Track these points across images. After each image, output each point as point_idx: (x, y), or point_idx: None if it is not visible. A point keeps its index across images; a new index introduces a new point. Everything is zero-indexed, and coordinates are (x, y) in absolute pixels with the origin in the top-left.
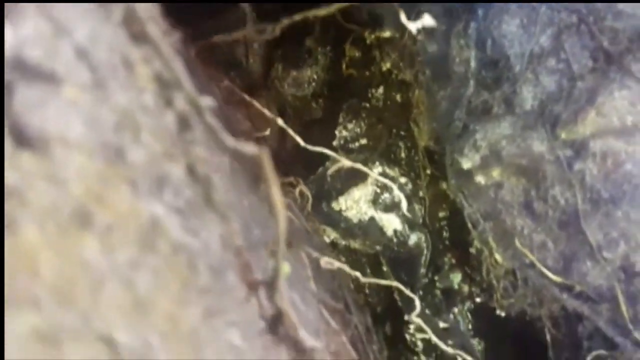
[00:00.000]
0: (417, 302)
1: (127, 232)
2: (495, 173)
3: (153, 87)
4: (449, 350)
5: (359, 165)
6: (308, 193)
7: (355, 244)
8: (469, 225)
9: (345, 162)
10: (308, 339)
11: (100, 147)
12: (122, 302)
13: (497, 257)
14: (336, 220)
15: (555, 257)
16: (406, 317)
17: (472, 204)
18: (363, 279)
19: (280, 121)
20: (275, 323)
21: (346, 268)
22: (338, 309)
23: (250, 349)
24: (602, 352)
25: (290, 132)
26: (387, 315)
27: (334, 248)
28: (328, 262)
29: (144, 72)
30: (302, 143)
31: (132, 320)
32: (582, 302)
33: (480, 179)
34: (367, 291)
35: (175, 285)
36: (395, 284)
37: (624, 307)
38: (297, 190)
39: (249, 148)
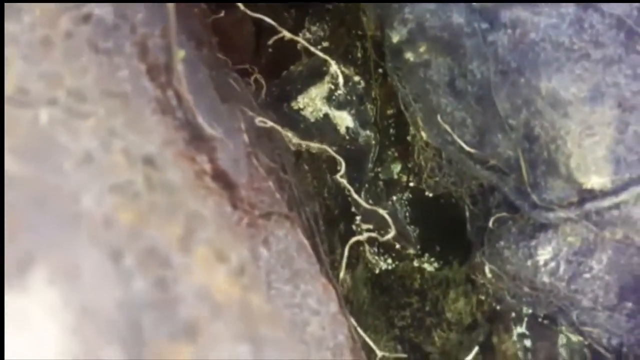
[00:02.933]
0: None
1: None
2: (422, 49)
3: None
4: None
5: (318, 53)
6: (263, 81)
7: (315, 148)
8: (402, 107)
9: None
10: (207, 128)
11: None
12: None
13: (424, 135)
14: (295, 120)
15: (472, 132)
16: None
17: (405, 85)
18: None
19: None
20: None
21: (279, 128)
22: (272, 167)
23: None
24: (504, 214)
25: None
26: (342, 215)
27: (298, 157)
28: (261, 120)
29: None
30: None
31: None
32: (494, 174)
33: (409, 55)
34: (325, 195)
35: None
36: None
37: (525, 173)
38: (252, 78)
39: None
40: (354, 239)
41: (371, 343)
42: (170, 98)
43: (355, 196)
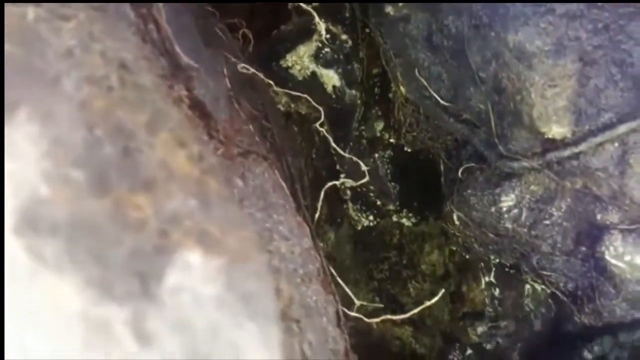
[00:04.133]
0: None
1: None
2: (402, 4)
3: None
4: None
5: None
6: (250, 36)
7: (303, 108)
8: (384, 62)
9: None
10: (184, 57)
11: None
12: None
13: (403, 90)
14: (284, 78)
15: (447, 86)
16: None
17: (386, 40)
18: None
19: None
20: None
21: (261, 76)
22: (254, 114)
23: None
24: (473, 164)
25: None
26: (328, 176)
27: (288, 118)
28: (244, 67)
29: None
30: None
31: None
32: (466, 127)
33: (390, 9)
34: (313, 155)
35: None
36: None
37: (493, 125)
38: (240, 33)
39: None
40: (329, 184)
41: (350, 293)
42: (151, 31)
43: (334, 145)
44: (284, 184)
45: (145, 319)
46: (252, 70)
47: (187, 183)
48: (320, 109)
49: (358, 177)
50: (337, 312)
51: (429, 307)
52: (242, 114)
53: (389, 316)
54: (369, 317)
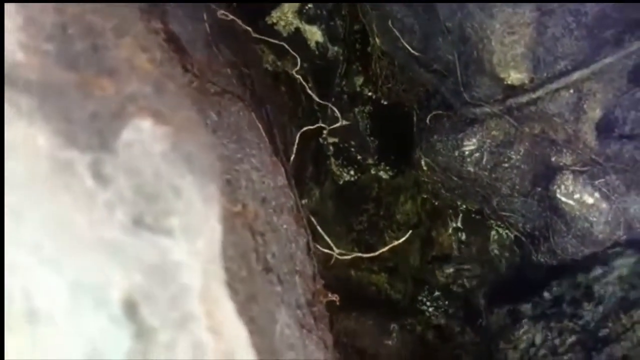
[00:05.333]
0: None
1: None
2: None
3: None
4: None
5: None
6: None
7: (289, 66)
8: (361, 15)
9: None
10: None
11: None
12: None
13: (378, 41)
14: (270, 35)
15: (419, 37)
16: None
17: None
18: None
19: None
20: None
21: (239, 22)
22: (233, 60)
23: None
24: (439, 112)
25: None
26: (312, 131)
27: (276, 78)
28: (223, 13)
29: None
30: None
31: None
32: (435, 77)
33: None
34: (300, 115)
35: None
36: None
37: (459, 74)
38: None
39: None
40: (304, 128)
41: (329, 240)
42: None
43: (310, 92)
44: (259, 125)
45: (102, 164)
46: (231, 16)
47: (146, 77)
48: (297, 56)
49: (338, 130)
50: (308, 243)
51: (402, 254)
52: (221, 57)
53: (359, 254)
54: (348, 266)
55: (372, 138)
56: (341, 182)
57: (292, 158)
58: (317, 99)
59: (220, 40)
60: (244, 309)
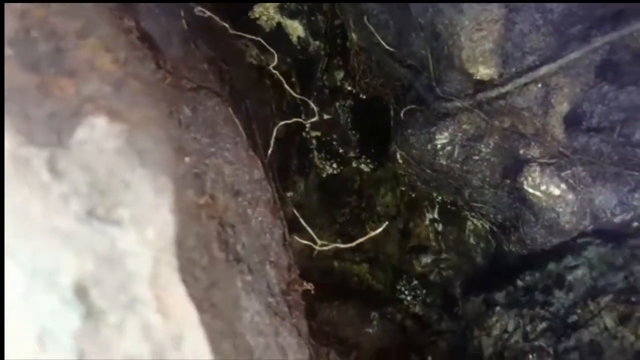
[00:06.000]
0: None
1: None
2: None
3: None
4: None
5: None
6: None
7: (272, 60)
8: (338, 11)
9: None
10: None
11: None
12: None
13: (354, 37)
14: (253, 31)
15: (393, 33)
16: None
17: None
18: None
19: None
20: None
21: (217, 19)
22: (211, 55)
23: None
24: (413, 106)
25: None
26: (296, 125)
27: (260, 72)
28: (200, 10)
29: None
30: None
31: None
32: (410, 72)
33: None
34: (284, 109)
35: None
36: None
37: (432, 69)
38: None
39: None
40: (280, 123)
41: (311, 232)
42: None
43: (287, 87)
44: (237, 120)
45: (57, 160)
46: (208, 13)
47: (107, 76)
48: (274, 52)
49: (320, 124)
50: (284, 234)
51: (382, 245)
52: (198, 53)
53: (338, 244)
54: (331, 258)
55: (353, 132)
56: (324, 175)
57: (269, 152)
58: (294, 93)
59: (198, 37)
60: (205, 295)
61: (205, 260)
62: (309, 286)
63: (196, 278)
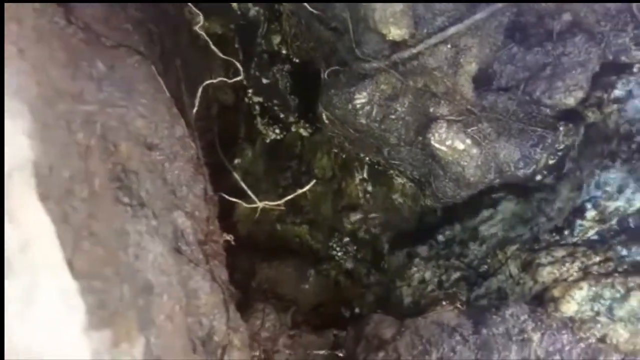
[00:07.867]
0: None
1: None
2: None
3: None
4: None
5: None
6: None
7: (218, 28)
8: None
9: None
10: None
11: None
12: None
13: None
14: None
15: None
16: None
17: None
18: None
19: None
20: None
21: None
22: (140, 17)
23: None
24: (335, 67)
25: None
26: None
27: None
28: None
29: None
30: None
31: None
32: (334, 34)
33: None
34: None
35: None
36: None
37: (351, 31)
38: None
39: None
40: (206, 82)
41: (251, 194)
42: None
43: (213, 47)
44: (160, 79)
45: None
46: None
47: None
48: (200, 13)
49: (261, 89)
50: (205, 189)
51: (319, 206)
52: (123, 15)
53: (266, 202)
54: (274, 221)
55: (292, 96)
56: (268, 141)
57: (194, 110)
58: (219, 53)
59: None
60: (84, 223)
61: (85, 193)
62: (229, 237)
63: (74, 208)
